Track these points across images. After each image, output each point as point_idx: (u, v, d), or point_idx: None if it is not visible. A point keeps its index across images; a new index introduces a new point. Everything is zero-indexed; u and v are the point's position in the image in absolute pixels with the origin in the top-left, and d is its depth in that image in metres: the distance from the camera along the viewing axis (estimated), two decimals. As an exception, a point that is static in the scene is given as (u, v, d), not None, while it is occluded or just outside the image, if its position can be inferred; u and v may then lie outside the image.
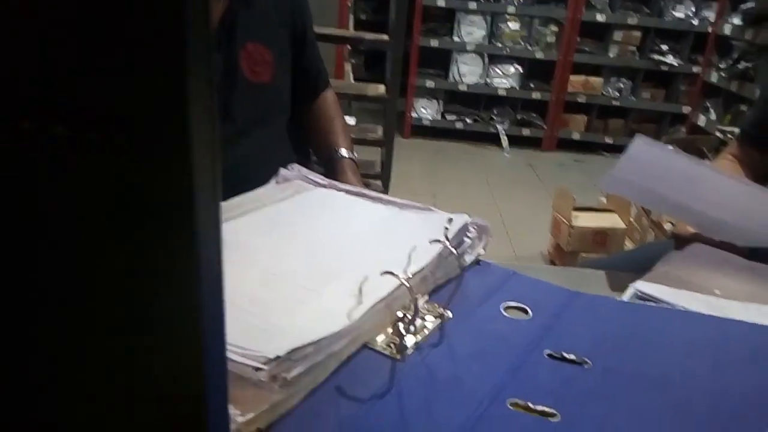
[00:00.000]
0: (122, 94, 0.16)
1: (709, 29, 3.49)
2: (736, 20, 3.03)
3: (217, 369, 0.23)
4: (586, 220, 2.22)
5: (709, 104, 3.31)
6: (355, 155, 1.02)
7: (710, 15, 3.57)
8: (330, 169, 1.00)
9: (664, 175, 0.70)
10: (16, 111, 0.17)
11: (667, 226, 2.07)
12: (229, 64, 0.88)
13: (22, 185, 0.18)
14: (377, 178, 1.95)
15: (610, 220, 2.26)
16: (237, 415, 0.39)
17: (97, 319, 0.20)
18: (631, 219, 2.30)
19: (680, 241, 0.80)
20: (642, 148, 0.67)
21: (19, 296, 0.20)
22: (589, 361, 0.50)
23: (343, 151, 1.01)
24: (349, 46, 3.49)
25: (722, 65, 3.16)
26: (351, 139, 1.06)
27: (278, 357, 0.41)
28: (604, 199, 2.49)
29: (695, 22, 3.64)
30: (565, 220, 2.22)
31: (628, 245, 2.25)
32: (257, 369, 0.41)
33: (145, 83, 0.16)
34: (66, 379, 0.21)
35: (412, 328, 0.52)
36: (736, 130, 1.08)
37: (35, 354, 0.21)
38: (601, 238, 2.20)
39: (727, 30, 3.09)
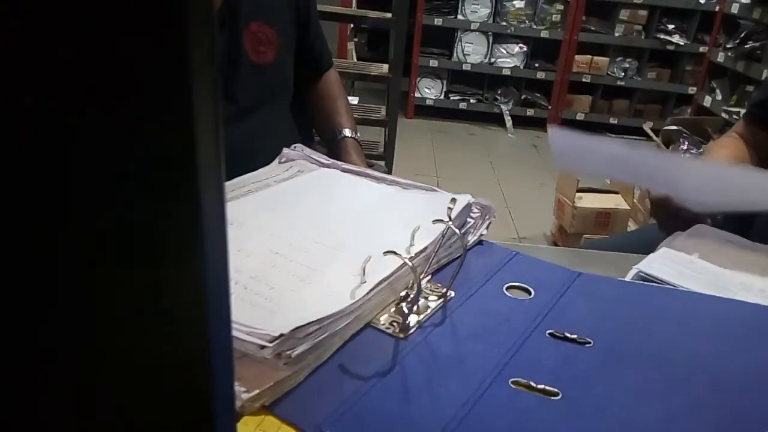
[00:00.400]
0: (117, 60, 0.16)
1: (717, 8, 3.44)
2: (744, -1, 2.99)
3: (223, 346, 0.23)
4: (589, 201, 2.22)
5: (715, 85, 3.28)
6: (358, 135, 1.02)
7: (718, -7, 3.53)
8: (333, 149, 1.00)
9: (598, 157, 0.72)
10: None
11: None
12: (233, 44, 0.87)
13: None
14: (380, 159, 1.94)
15: (614, 201, 2.25)
16: (242, 392, 0.40)
17: (98, 300, 0.20)
18: (635, 200, 2.29)
19: (654, 207, 0.80)
20: (560, 140, 0.68)
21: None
22: (590, 340, 0.51)
23: (347, 131, 1.00)
24: (351, 25, 3.45)
25: (729, 45, 3.12)
26: (354, 119, 1.06)
27: (282, 335, 0.42)
28: (608, 180, 2.48)
29: (702, 0, 3.59)
30: (568, 201, 2.22)
31: (632, 226, 2.25)
32: (262, 347, 0.41)
33: (142, 50, 0.16)
34: (69, 353, 0.22)
35: (415, 307, 0.53)
36: (743, 111, 1.08)
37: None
38: (604, 219, 2.20)
39: (734, 9, 3.05)
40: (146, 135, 0.18)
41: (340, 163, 0.78)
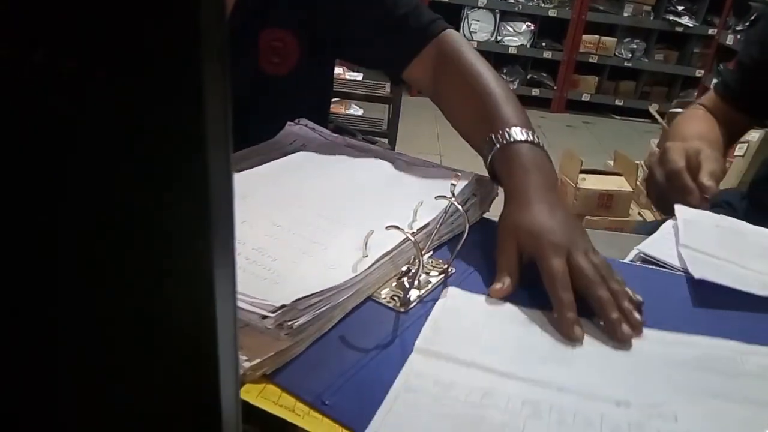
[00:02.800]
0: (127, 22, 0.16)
1: (728, -10, 3.40)
2: (756, -20, 2.95)
3: (228, 316, 0.23)
4: (592, 183, 2.21)
5: (722, 68, 3.26)
6: (536, 137, 0.65)
7: (729, -26, 3.48)
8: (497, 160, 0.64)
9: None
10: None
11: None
12: (244, 57, 0.79)
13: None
14: (384, 136, 1.93)
15: (617, 183, 2.25)
16: (244, 361, 0.40)
17: (106, 269, 0.20)
18: (638, 182, 2.29)
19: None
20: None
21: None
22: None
23: (515, 131, 0.64)
24: None
25: (739, 27, 3.09)
26: (520, 106, 0.71)
27: (284, 306, 0.42)
28: (611, 162, 2.47)
29: (714, -19, 3.54)
30: (571, 182, 2.21)
31: (634, 208, 2.24)
32: (264, 317, 0.42)
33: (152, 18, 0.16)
34: (75, 323, 0.22)
35: (416, 282, 0.53)
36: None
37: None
38: (606, 201, 2.20)
39: (746, -9, 3.01)
40: (156, 102, 0.18)
41: (343, 137, 0.78)
